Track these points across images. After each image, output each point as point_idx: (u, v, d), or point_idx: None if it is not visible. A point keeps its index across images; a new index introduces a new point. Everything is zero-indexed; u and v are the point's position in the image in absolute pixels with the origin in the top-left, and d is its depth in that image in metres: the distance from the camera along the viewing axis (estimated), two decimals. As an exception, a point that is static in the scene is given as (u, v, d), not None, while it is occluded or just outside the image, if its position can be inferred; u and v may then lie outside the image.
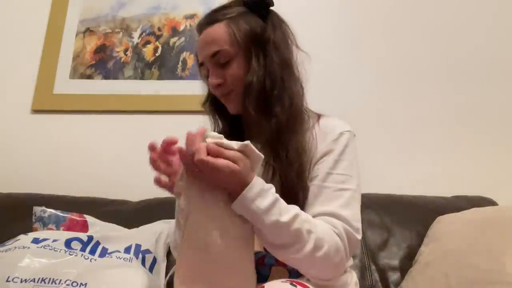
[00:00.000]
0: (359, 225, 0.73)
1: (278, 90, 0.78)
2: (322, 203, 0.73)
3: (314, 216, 0.71)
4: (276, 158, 0.75)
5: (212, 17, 0.83)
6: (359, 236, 0.72)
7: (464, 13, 1.62)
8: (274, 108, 0.77)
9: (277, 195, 0.65)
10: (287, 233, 0.63)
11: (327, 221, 0.70)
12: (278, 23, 0.84)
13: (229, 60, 0.80)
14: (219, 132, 0.90)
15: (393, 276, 1.15)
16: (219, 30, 0.80)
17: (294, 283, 0.58)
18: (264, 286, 0.58)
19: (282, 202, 0.65)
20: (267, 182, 0.67)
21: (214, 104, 0.90)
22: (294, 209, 0.66)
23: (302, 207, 0.73)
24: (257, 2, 0.82)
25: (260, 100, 0.78)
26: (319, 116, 0.86)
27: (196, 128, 0.91)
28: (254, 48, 0.79)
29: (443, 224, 1.16)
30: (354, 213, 0.73)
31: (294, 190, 0.74)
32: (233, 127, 0.89)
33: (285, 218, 0.63)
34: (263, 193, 0.63)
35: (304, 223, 0.65)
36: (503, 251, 0.91)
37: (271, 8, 0.85)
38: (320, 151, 0.78)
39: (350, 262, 0.82)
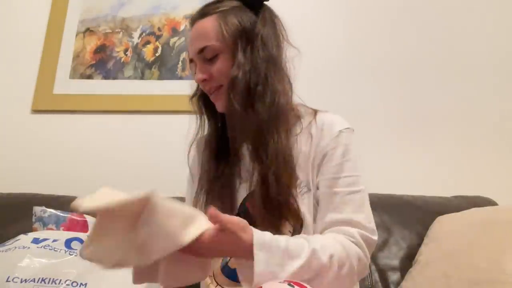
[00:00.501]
0: (373, 225, 0.73)
1: (262, 86, 0.76)
2: (335, 210, 0.72)
3: (327, 225, 0.71)
4: (258, 160, 0.74)
5: (204, 11, 0.81)
6: (375, 237, 0.72)
7: (465, 12, 1.62)
8: (256, 105, 0.75)
9: (283, 239, 0.61)
10: (308, 273, 0.60)
11: (343, 231, 0.69)
12: (270, 18, 0.82)
13: (216, 55, 0.78)
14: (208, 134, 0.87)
15: (393, 276, 1.15)
16: (208, 24, 0.79)
17: (291, 283, 0.58)
18: (262, 287, 0.57)
19: (291, 245, 0.61)
20: (251, 187, 0.65)
21: (202, 100, 0.88)
22: (308, 245, 0.62)
23: (285, 216, 0.71)
24: None
25: (245, 95, 0.76)
26: (315, 112, 0.83)
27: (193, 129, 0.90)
28: (241, 43, 0.77)
29: (443, 224, 1.16)
30: (367, 215, 0.73)
31: (274, 197, 0.71)
32: (219, 125, 0.86)
33: (301, 262, 0.59)
34: (271, 255, 0.58)
35: (324, 253, 0.62)
36: (503, 251, 0.91)
37: (266, 3, 0.83)
38: (321, 150, 0.77)
39: None
